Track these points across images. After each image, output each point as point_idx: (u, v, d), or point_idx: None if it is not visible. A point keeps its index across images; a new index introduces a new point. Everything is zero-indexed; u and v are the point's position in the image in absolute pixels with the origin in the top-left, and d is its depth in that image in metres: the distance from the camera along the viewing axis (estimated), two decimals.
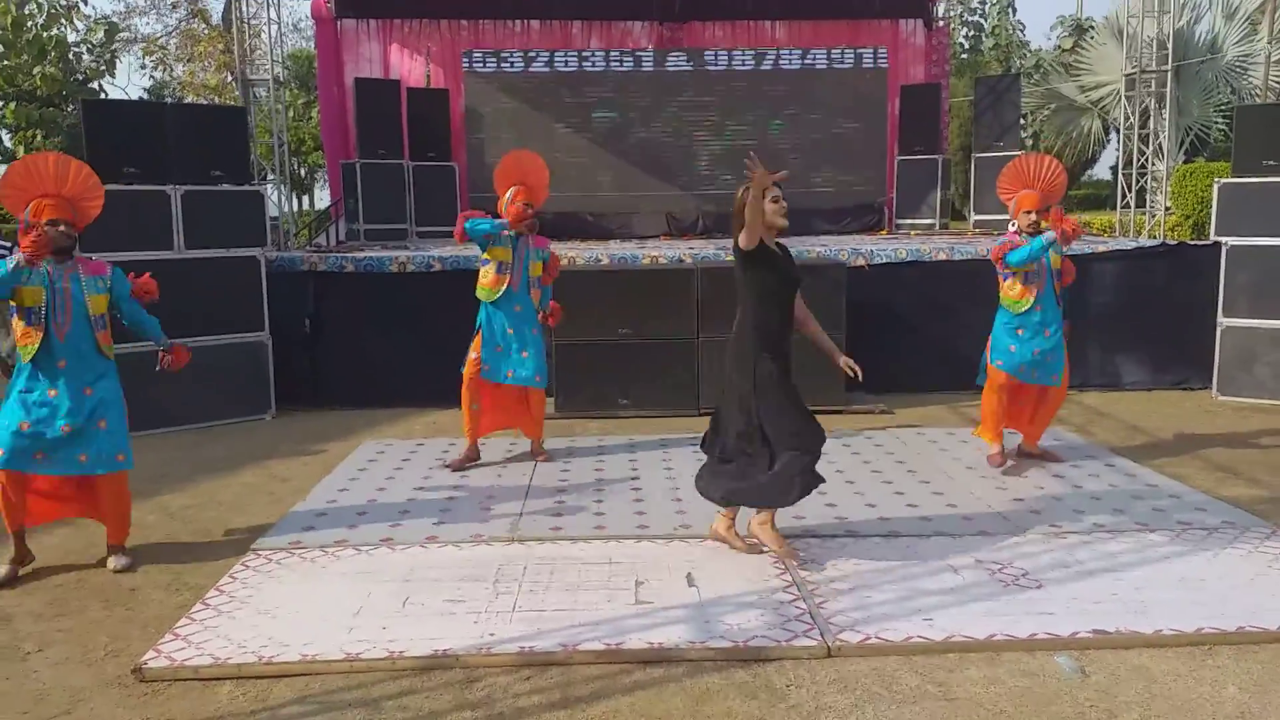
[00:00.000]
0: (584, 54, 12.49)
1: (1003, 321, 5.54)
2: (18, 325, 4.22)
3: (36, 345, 4.17)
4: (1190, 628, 3.49)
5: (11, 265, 4.07)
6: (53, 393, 4.20)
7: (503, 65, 12.33)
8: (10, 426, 4.15)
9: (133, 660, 3.38)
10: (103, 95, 19.42)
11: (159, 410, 6.69)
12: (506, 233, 5.60)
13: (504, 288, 5.61)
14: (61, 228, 4.19)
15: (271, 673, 3.29)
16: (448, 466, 5.80)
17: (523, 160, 5.79)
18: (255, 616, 3.70)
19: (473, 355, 5.70)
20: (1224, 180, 7.78)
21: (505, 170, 5.77)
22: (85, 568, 4.36)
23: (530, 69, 12.35)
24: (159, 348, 4.65)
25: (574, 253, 8.32)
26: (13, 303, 4.21)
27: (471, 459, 5.86)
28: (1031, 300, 5.41)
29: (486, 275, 5.66)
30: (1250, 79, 15.98)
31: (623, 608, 3.73)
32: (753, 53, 12.71)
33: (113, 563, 4.34)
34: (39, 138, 17.71)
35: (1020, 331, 5.45)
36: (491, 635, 3.50)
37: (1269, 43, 15.51)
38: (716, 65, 12.64)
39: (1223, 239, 7.61)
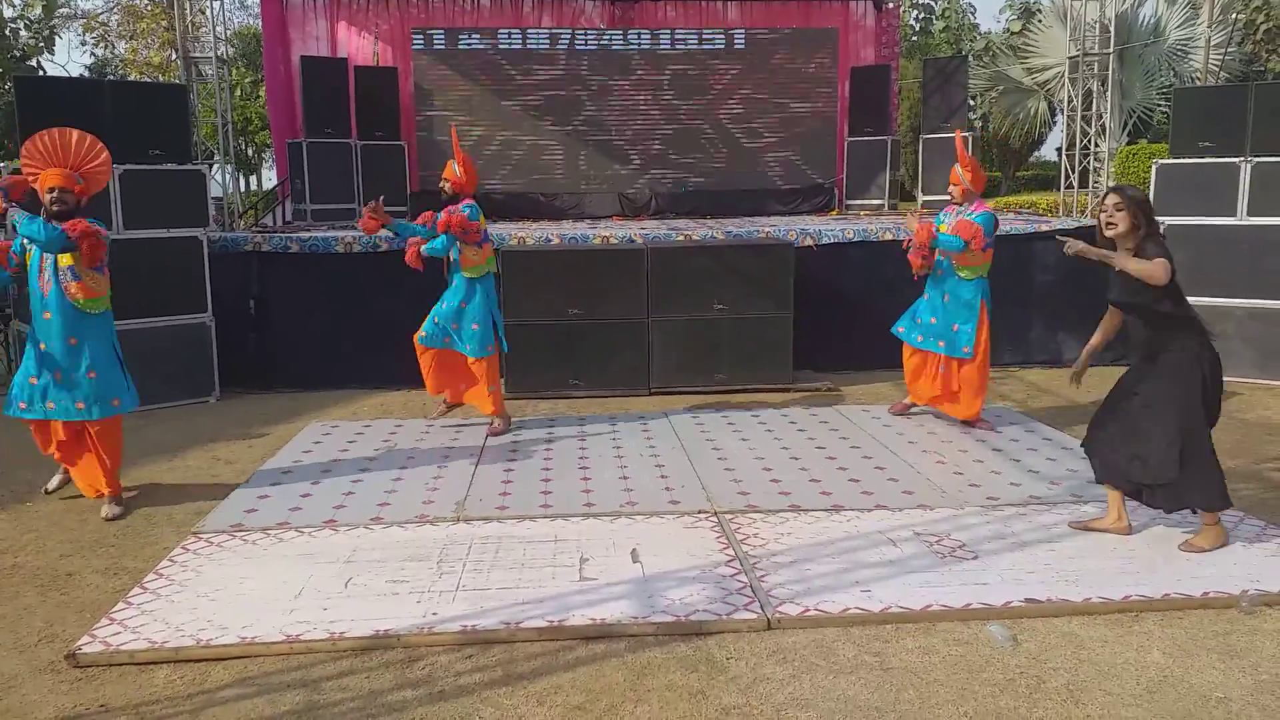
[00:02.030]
0: (535, 32, 12.39)
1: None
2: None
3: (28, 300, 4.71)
4: (1118, 595, 3.59)
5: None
6: (41, 345, 4.66)
7: (452, 43, 12.20)
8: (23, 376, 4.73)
9: (67, 646, 3.34)
10: (41, 73, 18.89)
11: None
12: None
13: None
14: (56, 194, 4.57)
15: (210, 656, 3.27)
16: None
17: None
18: (194, 600, 3.66)
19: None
20: (1162, 161, 7.94)
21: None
22: (21, 554, 4.28)
23: (480, 47, 12.23)
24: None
25: (524, 233, 8.29)
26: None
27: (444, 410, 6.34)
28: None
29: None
30: (1191, 62, 16.30)
31: (567, 585, 3.75)
32: (704, 33, 12.69)
33: (105, 509, 4.72)
34: None
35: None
36: (434, 614, 3.51)
37: (1209, 27, 15.82)
38: (668, 45, 12.61)
39: (1160, 219, 7.74)
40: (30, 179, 4.65)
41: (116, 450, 4.85)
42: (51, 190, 4.58)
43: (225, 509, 4.72)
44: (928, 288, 6.10)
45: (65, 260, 4.59)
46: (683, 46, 12.58)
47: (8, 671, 3.23)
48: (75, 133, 4.69)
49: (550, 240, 8.03)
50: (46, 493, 5.05)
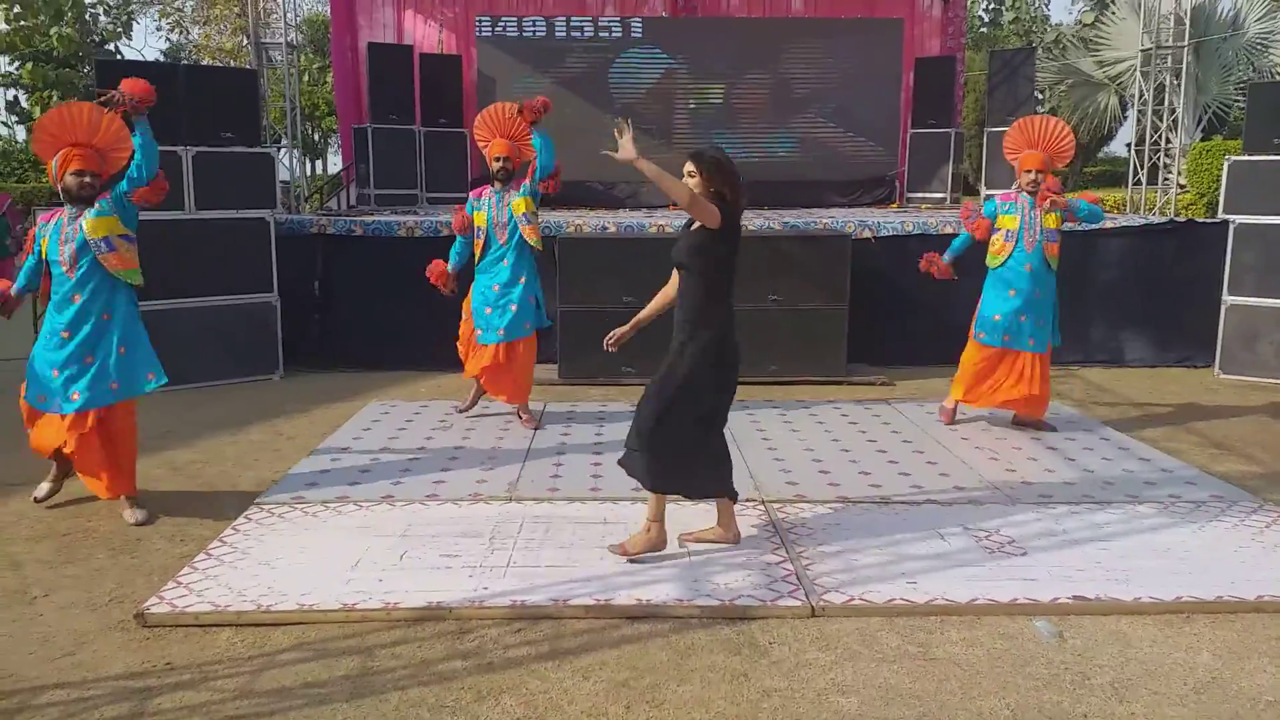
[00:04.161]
0: (599, 20, 12.44)
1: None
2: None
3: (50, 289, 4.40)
4: (1170, 596, 3.55)
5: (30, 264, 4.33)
6: (66, 334, 4.32)
7: (516, 30, 12.29)
8: (36, 364, 4.37)
9: (136, 606, 3.49)
10: (119, 57, 19.47)
11: (168, 368, 6.77)
12: (480, 197, 5.88)
13: (483, 251, 5.89)
14: (86, 178, 4.28)
15: (270, 620, 3.39)
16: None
17: (488, 116, 5.92)
18: (256, 567, 3.80)
19: (465, 318, 6.04)
20: (1234, 158, 7.73)
21: (477, 127, 5.97)
22: (93, 518, 4.47)
23: (543, 35, 12.31)
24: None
25: (581, 220, 8.37)
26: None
27: (477, 398, 6.19)
28: (1004, 258, 5.68)
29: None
30: (1271, 56, 15.77)
31: (614, 566, 3.82)
32: (769, 22, 12.62)
33: (130, 515, 4.41)
34: (55, 98, 17.81)
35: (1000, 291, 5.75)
36: (485, 589, 3.60)
37: None
38: (731, 34, 12.56)
39: (1231, 217, 7.58)
40: (44, 155, 4.34)
41: (134, 439, 4.52)
42: (80, 174, 4.25)
43: (287, 481, 4.88)
44: (1020, 283, 5.60)
45: (99, 231, 4.28)
46: (746, 35, 12.52)
47: (81, 628, 3.39)
48: (96, 109, 4.31)
49: (606, 228, 8.09)
50: (36, 501, 4.61)
